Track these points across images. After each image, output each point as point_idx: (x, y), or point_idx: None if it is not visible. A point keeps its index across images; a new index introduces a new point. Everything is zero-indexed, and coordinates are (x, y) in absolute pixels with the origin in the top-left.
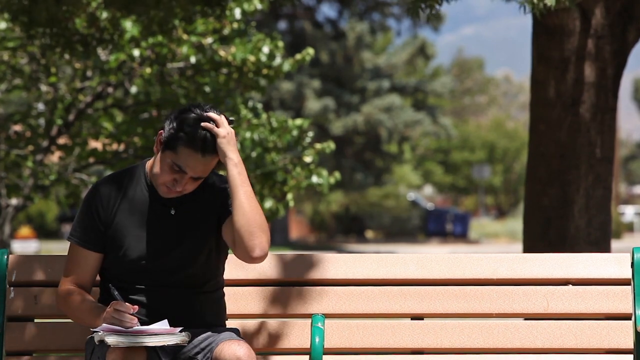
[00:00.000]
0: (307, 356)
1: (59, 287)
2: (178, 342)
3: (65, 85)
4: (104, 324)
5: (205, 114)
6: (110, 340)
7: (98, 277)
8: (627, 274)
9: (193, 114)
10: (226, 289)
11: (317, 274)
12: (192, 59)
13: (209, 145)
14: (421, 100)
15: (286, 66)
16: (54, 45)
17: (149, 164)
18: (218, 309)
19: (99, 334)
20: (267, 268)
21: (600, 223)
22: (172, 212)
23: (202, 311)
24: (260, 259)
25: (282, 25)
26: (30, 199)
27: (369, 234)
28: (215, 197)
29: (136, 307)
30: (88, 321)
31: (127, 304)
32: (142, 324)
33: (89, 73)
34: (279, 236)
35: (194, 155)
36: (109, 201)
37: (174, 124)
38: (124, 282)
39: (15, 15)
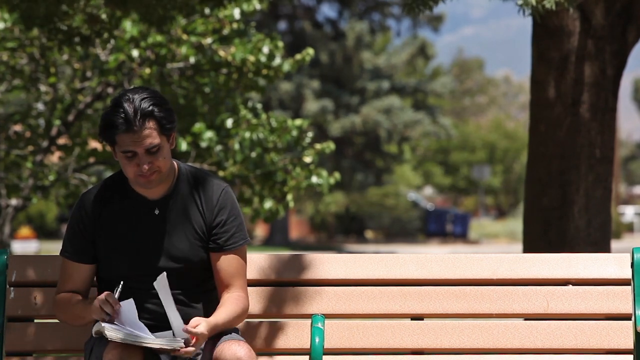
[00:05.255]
0: (307, 356)
1: (54, 296)
2: (175, 347)
3: (65, 86)
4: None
5: None
6: (109, 334)
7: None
8: (627, 274)
9: (109, 107)
10: None
11: (317, 274)
12: (192, 59)
13: (134, 118)
14: (421, 100)
15: (286, 66)
16: (52, 38)
17: None
18: (215, 308)
19: (100, 325)
20: (267, 268)
21: (600, 223)
22: (156, 212)
23: (199, 311)
24: None
25: (282, 25)
26: (29, 199)
27: (369, 234)
28: (205, 206)
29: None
30: (80, 312)
31: (115, 301)
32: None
33: (88, 73)
34: (279, 236)
35: (128, 135)
36: (93, 212)
37: (99, 125)
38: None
39: (14, 8)
